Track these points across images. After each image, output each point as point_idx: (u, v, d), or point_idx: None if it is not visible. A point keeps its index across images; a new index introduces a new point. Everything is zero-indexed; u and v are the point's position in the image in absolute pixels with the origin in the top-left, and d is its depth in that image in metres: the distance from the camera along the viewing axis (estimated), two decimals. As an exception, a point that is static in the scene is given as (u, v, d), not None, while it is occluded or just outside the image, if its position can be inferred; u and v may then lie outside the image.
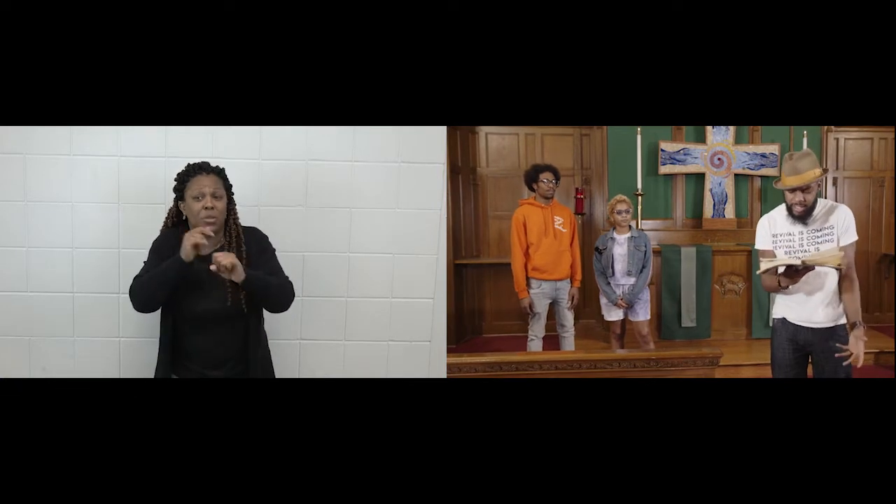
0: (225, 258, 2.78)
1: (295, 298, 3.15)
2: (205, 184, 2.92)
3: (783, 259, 3.35)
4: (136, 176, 3.41)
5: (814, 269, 3.29)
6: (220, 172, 3.00)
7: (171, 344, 3.02)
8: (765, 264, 3.35)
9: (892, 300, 7.61)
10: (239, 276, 2.83)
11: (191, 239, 2.81)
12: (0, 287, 3.45)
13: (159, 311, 3.02)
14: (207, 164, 2.99)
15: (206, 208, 2.89)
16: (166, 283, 2.88)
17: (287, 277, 3.11)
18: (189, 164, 2.98)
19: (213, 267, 2.78)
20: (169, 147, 3.40)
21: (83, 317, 3.49)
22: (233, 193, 3.05)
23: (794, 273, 3.30)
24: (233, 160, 3.18)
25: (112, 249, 3.43)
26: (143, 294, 2.93)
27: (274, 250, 3.14)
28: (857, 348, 3.27)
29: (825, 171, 3.42)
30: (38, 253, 3.43)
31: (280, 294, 3.05)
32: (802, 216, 3.40)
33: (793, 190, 3.37)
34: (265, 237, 3.13)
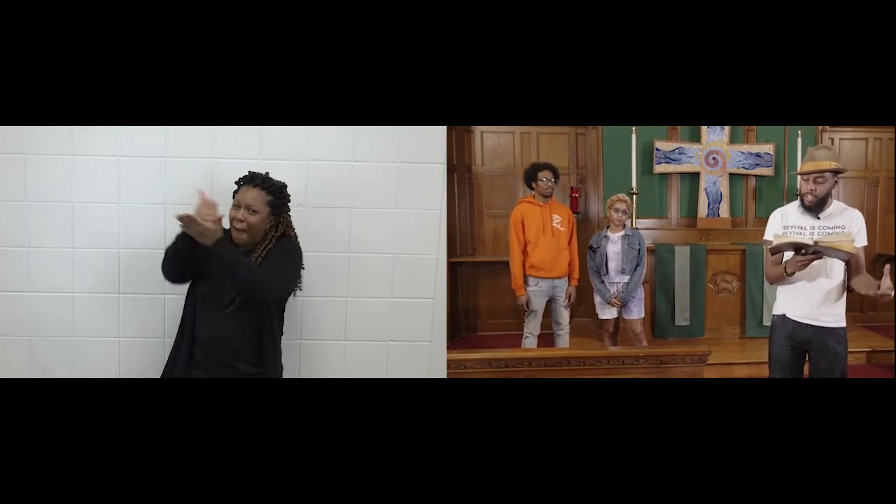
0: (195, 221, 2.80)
1: (294, 300, 3.23)
2: (246, 196, 2.98)
3: (796, 237, 3.35)
4: (136, 176, 3.41)
5: (822, 256, 3.28)
6: (268, 188, 3.02)
7: (189, 333, 3.06)
8: (777, 239, 3.34)
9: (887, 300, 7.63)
10: (206, 238, 2.81)
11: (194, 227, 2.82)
12: (0, 287, 3.45)
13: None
14: (259, 176, 3.03)
15: (237, 219, 2.96)
16: (174, 255, 2.99)
17: (279, 274, 2.99)
18: (250, 172, 3.06)
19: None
20: (169, 147, 3.40)
21: (83, 317, 3.48)
22: (288, 204, 3.10)
23: (803, 257, 3.30)
24: (233, 160, 3.18)
25: (112, 249, 3.43)
26: (164, 264, 3.04)
27: (294, 259, 3.10)
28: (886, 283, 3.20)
29: (842, 170, 3.43)
30: (38, 253, 3.43)
31: (248, 272, 2.89)
32: (812, 207, 3.42)
33: (806, 178, 3.40)
34: (295, 248, 3.12)
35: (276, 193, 3.04)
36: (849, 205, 3.50)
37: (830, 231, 3.39)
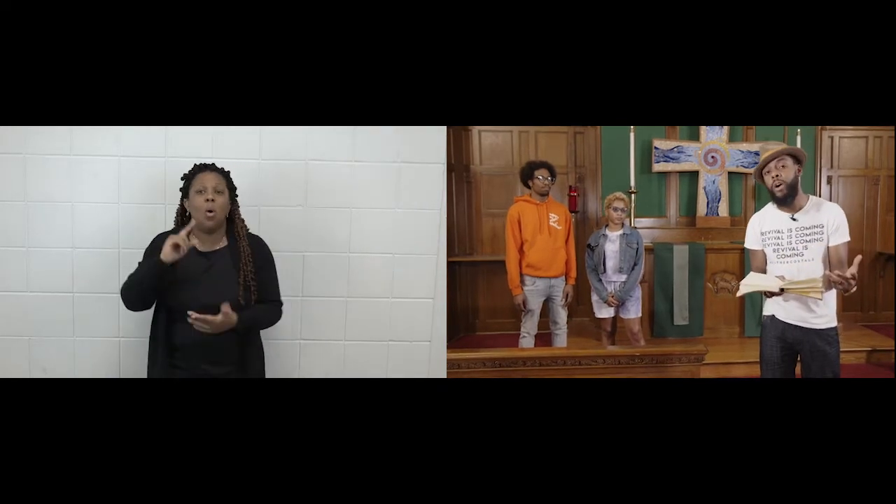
0: (210, 325, 2.90)
1: (294, 300, 3.33)
2: (207, 179, 2.99)
3: (762, 284, 3.39)
4: (136, 176, 3.41)
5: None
6: (224, 173, 3.07)
7: (164, 341, 3.03)
8: (743, 288, 3.44)
9: (885, 299, 7.66)
10: (227, 327, 2.95)
11: (171, 239, 2.87)
12: (0, 287, 3.45)
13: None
14: (213, 164, 3.06)
15: (208, 200, 2.95)
16: (146, 283, 2.95)
17: (278, 294, 3.22)
18: (195, 164, 3.06)
19: (191, 321, 2.89)
20: (169, 147, 3.40)
21: (83, 317, 3.48)
22: (237, 196, 3.11)
23: (773, 294, 3.37)
24: (233, 160, 3.17)
25: (112, 249, 3.42)
26: (130, 295, 3.01)
27: (273, 263, 3.20)
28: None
29: (801, 153, 3.46)
30: (38, 253, 3.43)
31: (268, 323, 3.21)
32: (785, 197, 3.41)
33: (768, 171, 3.44)
34: (268, 249, 3.18)
35: (228, 177, 3.08)
36: (847, 204, 3.50)
37: (808, 233, 3.37)
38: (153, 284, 2.93)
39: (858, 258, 3.20)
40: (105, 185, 3.41)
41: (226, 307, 2.89)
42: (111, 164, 3.40)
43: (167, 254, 2.86)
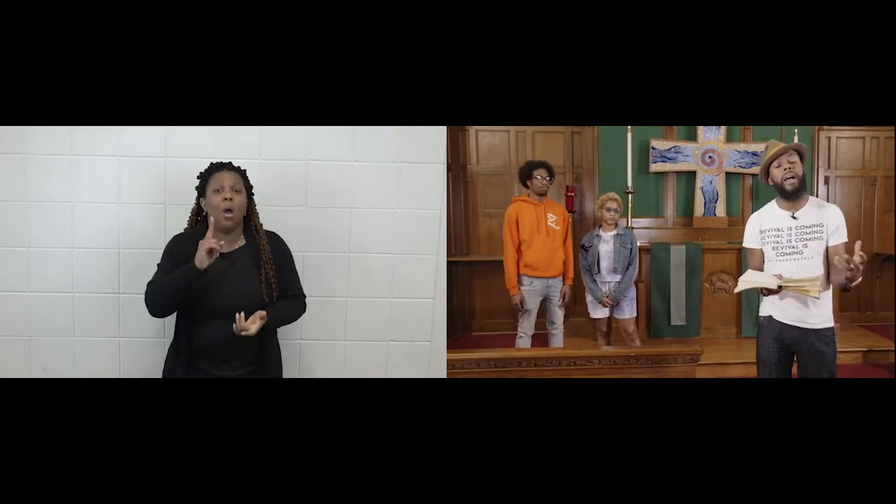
0: (252, 326, 2.92)
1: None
2: (225, 178, 3.00)
3: (760, 281, 3.40)
4: (136, 176, 3.41)
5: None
6: (241, 171, 3.08)
7: (185, 343, 3.05)
8: (741, 284, 3.45)
9: (882, 299, 7.67)
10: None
11: (205, 244, 2.85)
12: (0, 287, 3.44)
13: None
14: (230, 163, 3.08)
15: (226, 199, 2.96)
16: (179, 290, 2.93)
17: (300, 289, 3.25)
18: (212, 163, 3.07)
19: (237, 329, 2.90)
20: (169, 147, 3.40)
21: (83, 317, 3.48)
22: (253, 194, 3.13)
23: (770, 291, 3.37)
24: (233, 160, 3.17)
25: (112, 249, 3.43)
26: (158, 300, 2.99)
27: (292, 258, 3.23)
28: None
29: (803, 148, 3.50)
30: (38, 253, 3.42)
31: (294, 318, 3.25)
32: (795, 190, 3.43)
33: (778, 164, 3.45)
34: (286, 245, 3.21)
35: (245, 175, 3.10)
36: (844, 204, 3.51)
37: (808, 231, 3.39)
38: (186, 291, 2.94)
39: (858, 243, 3.21)
40: (105, 185, 3.41)
41: (260, 315, 2.95)
42: (111, 164, 3.40)
43: (202, 259, 2.85)
